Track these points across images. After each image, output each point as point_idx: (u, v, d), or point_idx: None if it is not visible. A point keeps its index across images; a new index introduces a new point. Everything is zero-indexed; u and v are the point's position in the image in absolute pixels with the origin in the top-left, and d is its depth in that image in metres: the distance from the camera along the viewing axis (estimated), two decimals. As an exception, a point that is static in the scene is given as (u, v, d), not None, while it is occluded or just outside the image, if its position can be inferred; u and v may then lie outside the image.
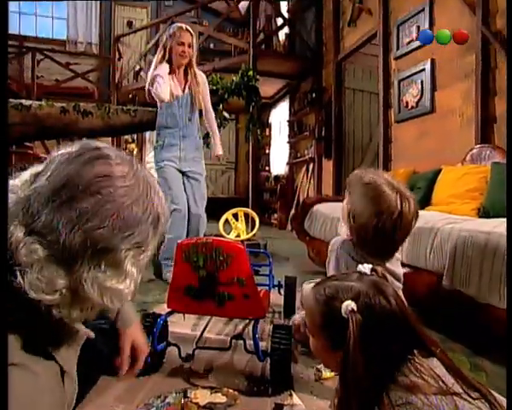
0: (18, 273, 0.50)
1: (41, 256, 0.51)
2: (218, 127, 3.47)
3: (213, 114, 2.63)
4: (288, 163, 6.33)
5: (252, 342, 1.22)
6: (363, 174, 1.09)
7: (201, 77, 2.48)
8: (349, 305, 0.64)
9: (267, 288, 1.73)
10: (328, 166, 5.02)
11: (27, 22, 7.15)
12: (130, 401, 1.04)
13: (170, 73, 2.37)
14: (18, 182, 0.55)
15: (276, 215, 6.36)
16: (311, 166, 5.47)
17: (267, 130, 7.35)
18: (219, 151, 2.62)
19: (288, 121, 6.33)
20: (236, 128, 7.92)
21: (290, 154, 6.27)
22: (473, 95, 2.72)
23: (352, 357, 0.61)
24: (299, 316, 1.40)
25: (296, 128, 6.02)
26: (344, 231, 1.31)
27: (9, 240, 0.50)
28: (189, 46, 2.34)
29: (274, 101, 7.03)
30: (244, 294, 1.19)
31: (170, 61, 2.35)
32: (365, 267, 0.74)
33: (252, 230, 1.94)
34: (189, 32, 2.36)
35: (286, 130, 6.45)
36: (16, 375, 0.50)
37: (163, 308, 1.30)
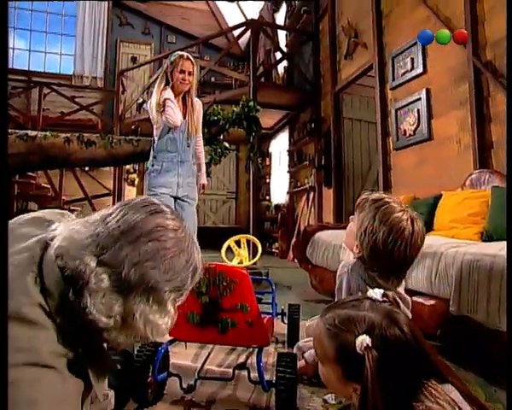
0: (87, 295, 0.59)
1: (107, 285, 0.60)
2: (219, 157, 3.53)
3: (202, 142, 2.65)
4: (288, 192, 6.37)
5: (255, 371, 1.18)
6: (373, 195, 1.10)
7: (198, 103, 2.52)
8: (364, 340, 0.62)
9: (270, 315, 1.69)
10: (328, 194, 5.05)
11: (36, 59, 7.42)
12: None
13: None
14: (90, 220, 0.67)
15: (277, 244, 6.32)
16: (311, 194, 5.50)
17: (267, 159, 7.43)
18: (204, 181, 2.65)
19: (288, 151, 6.42)
20: (237, 158, 8.04)
21: (290, 183, 6.31)
22: (469, 122, 2.77)
23: (371, 392, 0.59)
24: (308, 354, 1.33)
25: (296, 158, 6.10)
26: (347, 257, 1.29)
27: (84, 267, 0.60)
28: (190, 74, 2.36)
29: (274, 131, 7.16)
30: (247, 321, 1.17)
31: (171, 88, 2.36)
32: (376, 293, 0.71)
33: (254, 257, 1.93)
34: (190, 60, 2.39)
35: (286, 159, 6.53)
36: (52, 375, 0.57)
37: (164, 337, 1.26)
